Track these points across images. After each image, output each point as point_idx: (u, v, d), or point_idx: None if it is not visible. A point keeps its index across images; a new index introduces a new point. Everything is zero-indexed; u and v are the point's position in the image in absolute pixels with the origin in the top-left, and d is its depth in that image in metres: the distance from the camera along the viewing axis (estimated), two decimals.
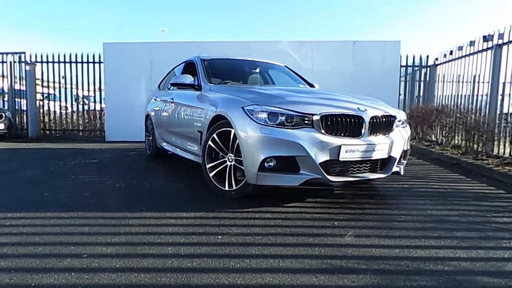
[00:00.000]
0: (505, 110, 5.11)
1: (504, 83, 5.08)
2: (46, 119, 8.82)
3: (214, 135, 2.98)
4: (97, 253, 1.85)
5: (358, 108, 2.81)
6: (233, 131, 2.80)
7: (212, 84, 3.65)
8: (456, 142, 5.98)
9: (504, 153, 4.77)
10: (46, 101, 8.93)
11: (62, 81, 8.68)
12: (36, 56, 8.47)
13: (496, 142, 5.01)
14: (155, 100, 5.06)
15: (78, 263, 1.73)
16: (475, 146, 5.24)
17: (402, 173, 3.18)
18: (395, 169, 3.03)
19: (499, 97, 5.19)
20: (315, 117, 2.64)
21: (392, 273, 1.67)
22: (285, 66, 4.85)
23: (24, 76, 8.45)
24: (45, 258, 1.79)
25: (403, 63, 8.01)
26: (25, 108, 8.55)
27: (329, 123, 2.66)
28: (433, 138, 6.82)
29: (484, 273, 1.69)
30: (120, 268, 1.69)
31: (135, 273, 1.64)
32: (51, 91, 9.04)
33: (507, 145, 4.77)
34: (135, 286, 1.54)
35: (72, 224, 2.29)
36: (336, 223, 2.38)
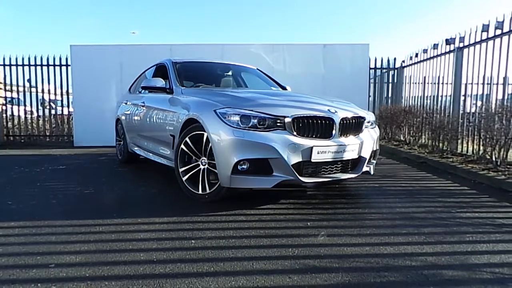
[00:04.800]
0: (467, 110, 5.37)
1: (466, 84, 5.33)
2: (10, 124, 8.43)
3: (187, 139, 2.96)
4: (65, 263, 1.79)
5: (328, 110, 2.87)
6: (205, 134, 2.79)
7: (184, 87, 3.62)
8: (423, 141, 6.21)
9: (467, 151, 5.00)
10: (9, 106, 8.54)
11: (27, 84, 8.33)
12: None
13: (460, 141, 5.25)
14: (126, 103, 4.95)
15: (45, 274, 1.67)
16: (441, 145, 5.46)
17: (372, 172, 3.27)
18: (365, 169, 3.11)
19: (462, 98, 5.44)
20: (287, 119, 2.67)
21: (363, 270, 1.72)
22: (258, 69, 4.88)
23: None
24: (10, 269, 1.71)
25: (372, 66, 8.23)
26: None
27: (300, 125, 2.70)
28: (402, 138, 7.06)
29: (449, 266, 1.77)
30: (90, 277, 1.64)
31: (106, 281, 1.60)
32: (15, 95, 8.64)
33: (470, 143, 5.01)
34: None
35: (38, 234, 2.20)
36: (309, 223, 2.42)
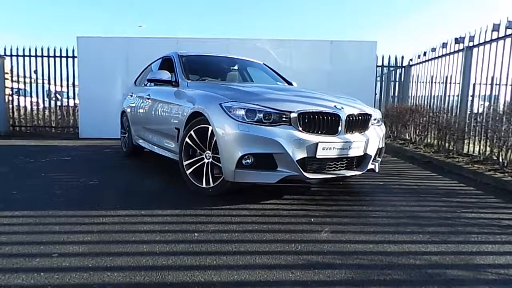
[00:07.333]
0: (474, 110, 5.31)
1: (474, 84, 5.27)
2: (16, 115, 8.47)
3: (192, 132, 2.95)
4: (68, 252, 1.79)
5: (335, 106, 2.84)
6: (210, 128, 2.78)
7: (189, 81, 3.60)
8: (429, 140, 6.16)
9: (473, 152, 4.95)
10: (16, 97, 8.57)
11: (34, 75, 8.36)
12: (5, 49, 8.10)
13: (466, 141, 5.20)
14: (131, 96, 4.95)
15: (48, 263, 1.67)
16: (447, 144, 5.41)
17: (377, 170, 3.24)
18: (370, 166, 3.09)
19: (470, 98, 5.39)
20: (293, 115, 2.65)
21: (366, 268, 1.71)
22: (264, 63, 4.85)
23: None
24: (13, 258, 1.72)
25: (379, 63, 8.16)
26: None
27: (306, 120, 2.68)
28: (407, 137, 7.00)
29: (453, 266, 1.75)
30: (92, 267, 1.64)
31: (108, 272, 1.60)
32: (22, 86, 8.66)
33: (476, 143, 4.96)
34: (108, 285, 1.50)
35: (42, 223, 2.21)
36: (312, 219, 2.40)
